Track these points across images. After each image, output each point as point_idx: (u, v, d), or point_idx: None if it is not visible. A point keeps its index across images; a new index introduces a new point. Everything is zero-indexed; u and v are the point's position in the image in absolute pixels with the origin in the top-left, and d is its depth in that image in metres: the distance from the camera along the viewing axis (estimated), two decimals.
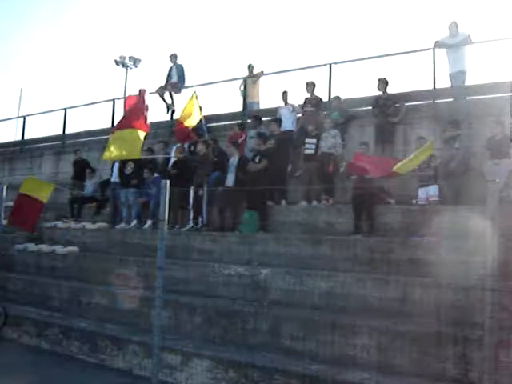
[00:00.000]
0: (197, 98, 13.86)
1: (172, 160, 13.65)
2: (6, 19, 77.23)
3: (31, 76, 75.90)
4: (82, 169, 16.02)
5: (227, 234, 11.63)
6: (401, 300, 8.48)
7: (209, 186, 12.18)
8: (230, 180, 12.09)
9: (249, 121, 14.47)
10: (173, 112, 16.21)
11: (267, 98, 16.90)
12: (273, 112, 14.17)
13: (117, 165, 14.38)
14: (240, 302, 9.65)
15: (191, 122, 13.69)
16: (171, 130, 15.30)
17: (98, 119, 33.08)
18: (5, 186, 10.98)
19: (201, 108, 14.50)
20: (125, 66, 39.56)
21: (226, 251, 11.29)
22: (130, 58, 39.43)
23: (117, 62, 39.46)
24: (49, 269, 13.31)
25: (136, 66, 39.77)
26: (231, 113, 15.44)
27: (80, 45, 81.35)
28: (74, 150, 17.06)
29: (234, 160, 12.29)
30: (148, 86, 16.69)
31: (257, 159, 11.99)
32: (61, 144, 18.94)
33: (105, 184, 15.03)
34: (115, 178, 14.27)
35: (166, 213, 5.89)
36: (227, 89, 17.42)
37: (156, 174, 13.61)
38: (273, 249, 10.66)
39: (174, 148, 13.88)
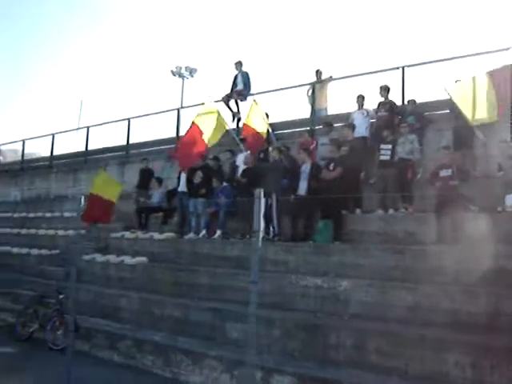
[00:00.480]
0: (257, 105, 13.60)
1: (241, 168, 13.34)
2: (67, 32, 79.27)
3: (91, 88, 77.37)
4: (148, 178, 15.93)
5: (301, 244, 11.21)
6: (492, 314, 7.93)
7: (279, 193, 11.79)
8: (303, 188, 11.69)
9: (318, 127, 14.06)
10: (238, 120, 15.91)
11: (335, 103, 16.29)
12: (342, 118, 13.74)
13: (184, 174, 14.18)
14: (320, 314, 9.25)
15: (260, 130, 13.44)
16: (238, 138, 15.04)
17: (161, 129, 33.03)
18: (83, 197, 10.79)
19: (267, 115, 14.23)
20: (181, 76, 39.61)
21: (301, 262, 10.87)
22: (186, 68, 39.46)
23: (173, 73, 39.54)
24: (117, 280, 13.17)
25: (192, 76, 39.77)
26: (299, 119, 15.01)
27: (137, 56, 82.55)
28: (142, 158, 17.03)
29: (306, 167, 11.88)
30: (204, 95, 16.73)
31: (331, 166, 11.54)
32: (125, 154, 18.90)
33: (171, 194, 14.84)
34: (183, 187, 14.04)
35: (260, 223, 5.47)
36: (294, 95, 16.70)
37: (225, 183, 13.32)
38: (351, 260, 10.18)
39: (242, 156, 13.56)
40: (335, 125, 13.70)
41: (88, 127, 20.50)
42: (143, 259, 13.05)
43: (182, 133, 15.81)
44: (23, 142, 23.78)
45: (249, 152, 13.41)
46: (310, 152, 12.18)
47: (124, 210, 15.87)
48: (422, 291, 8.67)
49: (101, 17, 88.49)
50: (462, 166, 10.58)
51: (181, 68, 39.38)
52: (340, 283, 9.53)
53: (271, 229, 11.87)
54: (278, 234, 11.78)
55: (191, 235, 13.38)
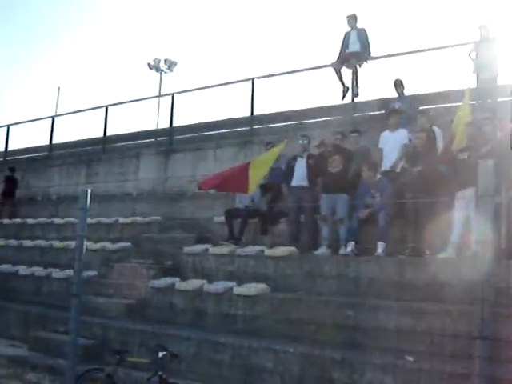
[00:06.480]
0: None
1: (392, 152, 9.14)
2: (46, 18, 72.64)
3: (68, 75, 70.76)
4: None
5: None
6: None
7: None
8: None
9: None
10: (356, 95, 11.64)
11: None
12: None
13: (302, 160, 9.83)
14: None
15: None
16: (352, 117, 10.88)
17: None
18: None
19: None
20: (158, 70, 35.08)
21: None
22: (165, 60, 34.89)
23: (150, 66, 34.97)
24: (220, 319, 8.57)
25: (171, 71, 35.31)
26: (457, 90, 10.60)
27: (115, 45, 76.06)
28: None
29: None
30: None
31: None
32: (168, 140, 14.14)
33: (268, 190, 10.45)
34: (300, 180, 9.67)
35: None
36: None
37: (379, 175, 9.07)
38: None
39: (396, 135, 9.41)
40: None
41: (107, 106, 15.51)
42: (264, 287, 8.53)
43: None
44: (7, 127, 18.41)
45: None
46: None
47: (192, 215, 11.47)
48: None
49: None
50: None
51: (159, 61, 34.79)
52: None
53: None
54: None
55: (323, 250, 9.01)
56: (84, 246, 6.06)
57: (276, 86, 13.81)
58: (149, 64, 34.95)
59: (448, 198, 8.13)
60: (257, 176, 8.79)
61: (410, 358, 6.48)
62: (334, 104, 12.10)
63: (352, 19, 11.75)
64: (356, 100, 11.70)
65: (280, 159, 10.07)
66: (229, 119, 13.75)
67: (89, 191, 6.10)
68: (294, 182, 9.80)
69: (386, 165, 9.45)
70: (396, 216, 8.72)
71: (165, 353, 6.85)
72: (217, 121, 13.99)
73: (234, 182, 8.71)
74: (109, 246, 11.35)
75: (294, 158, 10.00)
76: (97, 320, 8.93)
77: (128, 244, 11.34)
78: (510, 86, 10.27)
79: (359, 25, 11.77)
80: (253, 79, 12.98)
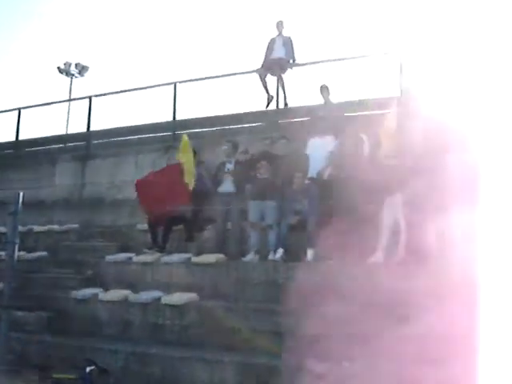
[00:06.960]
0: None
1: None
2: None
3: None
4: None
5: None
6: None
7: None
8: None
9: None
10: (285, 105, 11.73)
11: None
12: None
13: (230, 166, 9.74)
14: None
15: None
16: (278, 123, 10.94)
17: None
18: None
19: None
20: (69, 74, 34.04)
21: None
22: (76, 65, 33.91)
23: (60, 70, 33.88)
24: (150, 330, 8.32)
25: (82, 75, 34.35)
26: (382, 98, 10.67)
27: (21, 46, 72.15)
28: None
29: None
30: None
31: None
32: (85, 145, 13.59)
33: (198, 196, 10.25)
34: (228, 186, 9.57)
35: None
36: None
37: (306, 181, 9.12)
38: None
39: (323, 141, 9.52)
40: None
41: (19, 109, 14.76)
42: (192, 295, 8.34)
43: None
44: None
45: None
46: None
47: (113, 222, 11.12)
48: None
49: None
50: None
51: (70, 65, 33.75)
52: None
53: None
54: None
55: (252, 257, 8.94)
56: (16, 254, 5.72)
57: (200, 91, 13.48)
58: (59, 68, 33.98)
59: (376, 204, 8.28)
60: (190, 181, 8.69)
61: (347, 364, 6.50)
62: (260, 110, 12.04)
63: (280, 25, 11.79)
64: (282, 106, 11.76)
65: (199, 165, 10.07)
66: (150, 124, 13.35)
67: (21, 194, 5.79)
68: (222, 189, 9.68)
69: (312, 171, 9.48)
70: (324, 222, 8.77)
71: (93, 367, 6.60)
72: (137, 125, 13.56)
73: (171, 195, 8.59)
74: (24, 255, 10.76)
75: (223, 164, 9.89)
76: (15, 334, 8.42)
77: (45, 253, 10.88)
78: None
79: (286, 32, 11.86)
80: (175, 83, 12.73)
